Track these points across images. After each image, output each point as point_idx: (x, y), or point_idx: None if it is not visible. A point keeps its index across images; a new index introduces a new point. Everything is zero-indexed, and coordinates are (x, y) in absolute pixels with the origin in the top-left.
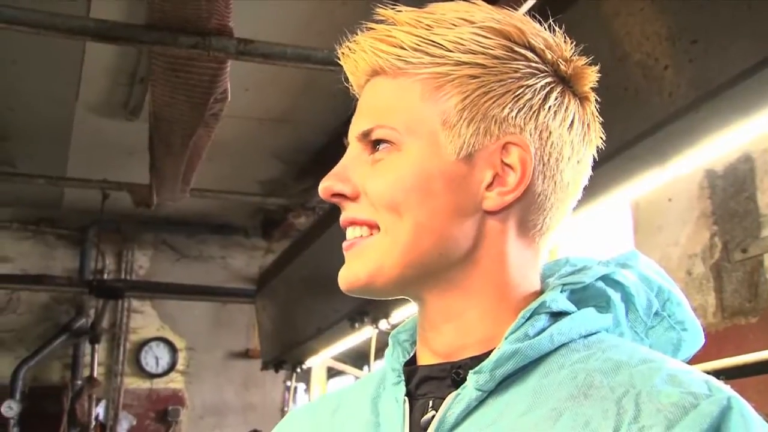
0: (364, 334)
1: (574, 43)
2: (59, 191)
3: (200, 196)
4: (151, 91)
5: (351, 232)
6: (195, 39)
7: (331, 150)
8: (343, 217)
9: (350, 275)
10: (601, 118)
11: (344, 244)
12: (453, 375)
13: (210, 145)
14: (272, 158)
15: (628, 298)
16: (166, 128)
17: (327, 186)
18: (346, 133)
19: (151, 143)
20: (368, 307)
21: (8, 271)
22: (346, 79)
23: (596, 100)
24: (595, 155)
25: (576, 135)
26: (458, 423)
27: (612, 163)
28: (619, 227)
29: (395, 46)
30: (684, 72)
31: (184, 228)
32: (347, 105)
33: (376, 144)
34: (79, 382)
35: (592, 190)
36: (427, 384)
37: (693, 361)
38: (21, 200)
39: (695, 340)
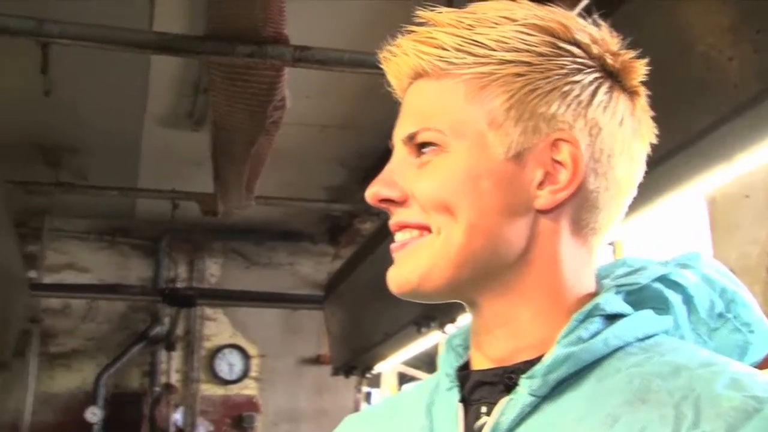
0: (432, 338)
1: (627, 37)
2: (131, 202)
3: (266, 203)
4: (211, 100)
5: (401, 236)
6: (251, 48)
7: None
8: (393, 222)
9: (400, 277)
10: (653, 112)
11: (393, 246)
12: (505, 380)
13: (274, 153)
14: (336, 164)
15: (688, 300)
16: (228, 137)
17: (374, 191)
18: None
19: (214, 152)
20: (435, 312)
21: (87, 281)
22: (389, 84)
23: (653, 95)
24: (650, 152)
25: (627, 130)
26: (512, 429)
27: (676, 159)
28: (695, 226)
29: (437, 48)
30: (749, 63)
31: (253, 235)
32: None
33: (421, 147)
34: (157, 389)
35: (656, 187)
36: (480, 389)
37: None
38: (96, 212)
39: (764, 342)
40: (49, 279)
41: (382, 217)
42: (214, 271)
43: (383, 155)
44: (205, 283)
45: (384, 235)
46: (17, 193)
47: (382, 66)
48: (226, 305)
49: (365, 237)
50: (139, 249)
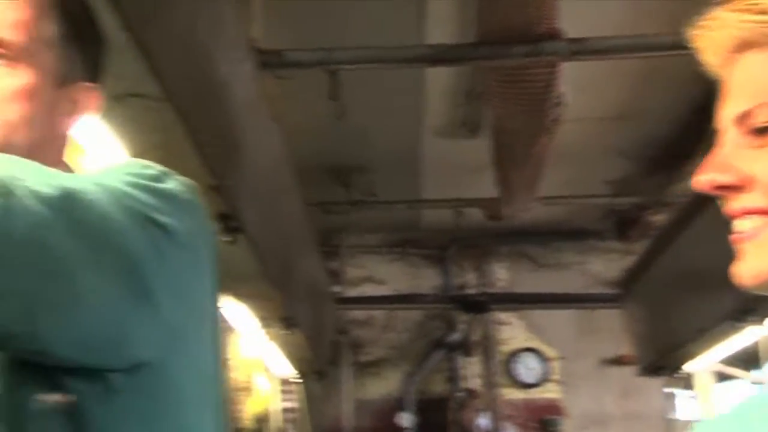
0: (750, 334)
1: None
2: (416, 213)
3: (549, 203)
4: (489, 106)
5: (746, 224)
6: (526, 47)
7: (683, 141)
8: (734, 207)
9: (754, 269)
10: None
11: (737, 236)
12: None
13: (552, 151)
14: (618, 156)
15: None
16: (508, 140)
17: (709, 178)
18: (697, 122)
19: (495, 157)
20: (755, 304)
21: (384, 293)
22: (698, 62)
23: None
24: None
25: None
26: None
27: None
28: None
29: (763, 14)
30: None
31: (538, 237)
32: (695, 91)
33: (758, 125)
34: (460, 394)
35: None
36: None
37: None
38: (385, 226)
39: None
40: (351, 292)
41: (676, 206)
42: (501, 276)
43: (669, 142)
44: (494, 287)
45: (684, 224)
46: (316, 214)
47: (683, 45)
48: (518, 309)
49: (659, 229)
50: (428, 258)
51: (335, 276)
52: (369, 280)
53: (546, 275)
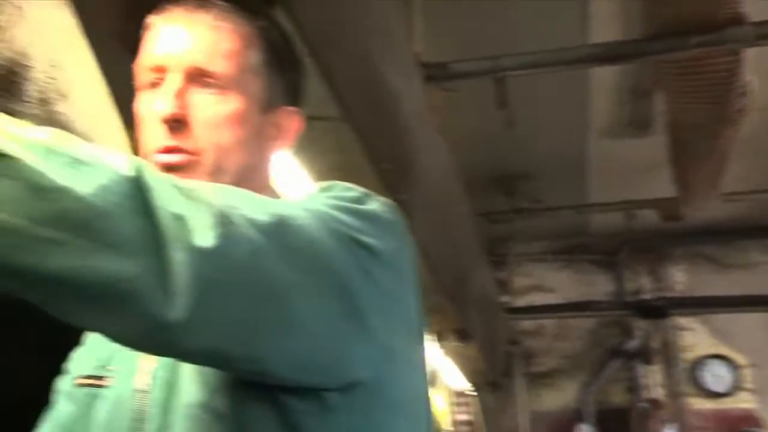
0: None
1: None
2: (584, 218)
3: (729, 199)
4: (663, 101)
5: None
6: (706, 37)
7: None
8: None
9: None
10: None
11: None
12: None
13: (735, 144)
14: None
15: None
16: (687, 136)
17: None
18: None
19: (673, 154)
20: None
21: (553, 301)
22: None
23: None
24: None
25: None
26: None
27: None
28: None
29: None
30: None
31: (717, 236)
32: None
33: None
34: (642, 404)
35: None
36: None
37: None
38: (551, 233)
39: None
40: (519, 302)
41: None
42: (679, 279)
43: None
44: (672, 291)
45: None
46: (482, 223)
47: None
48: (701, 313)
49: None
50: (598, 264)
51: (503, 286)
52: (537, 288)
53: (730, 276)
